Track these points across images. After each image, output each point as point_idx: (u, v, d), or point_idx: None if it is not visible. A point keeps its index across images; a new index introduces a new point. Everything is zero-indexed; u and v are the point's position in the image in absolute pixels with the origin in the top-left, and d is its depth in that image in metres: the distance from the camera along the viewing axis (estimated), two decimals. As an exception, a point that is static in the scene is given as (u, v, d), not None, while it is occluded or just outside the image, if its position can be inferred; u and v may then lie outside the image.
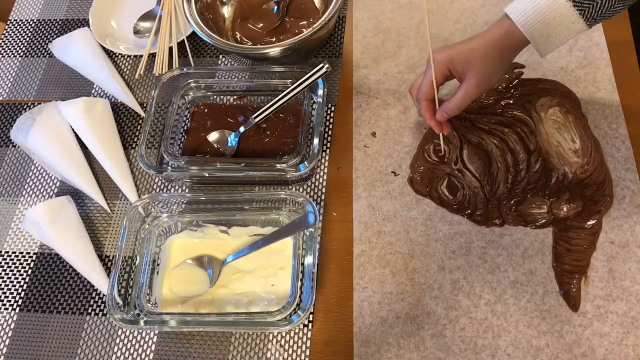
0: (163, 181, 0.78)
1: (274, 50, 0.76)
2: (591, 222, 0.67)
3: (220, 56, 0.88)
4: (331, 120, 0.80)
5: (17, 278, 0.73)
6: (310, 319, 0.66)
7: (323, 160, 0.76)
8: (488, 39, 0.61)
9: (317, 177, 0.75)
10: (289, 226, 0.67)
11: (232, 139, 0.78)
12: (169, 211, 0.71)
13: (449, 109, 0.64)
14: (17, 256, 0.74)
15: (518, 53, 0.62)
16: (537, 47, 0.60)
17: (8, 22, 0.97)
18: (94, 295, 0.71)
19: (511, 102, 0.76)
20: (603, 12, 0.55)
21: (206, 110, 0.81)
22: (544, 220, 0.68)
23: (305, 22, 0.85)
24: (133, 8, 0.92)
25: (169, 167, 0.74)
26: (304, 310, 0.61)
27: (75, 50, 0.87)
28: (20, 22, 0.96)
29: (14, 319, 0.70)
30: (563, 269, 0.65)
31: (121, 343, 0.68)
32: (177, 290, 0.68)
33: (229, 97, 0.82)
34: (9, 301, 0.71)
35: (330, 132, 0.79)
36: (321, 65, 0.72)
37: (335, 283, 0.68)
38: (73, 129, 0.80)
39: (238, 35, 0.86)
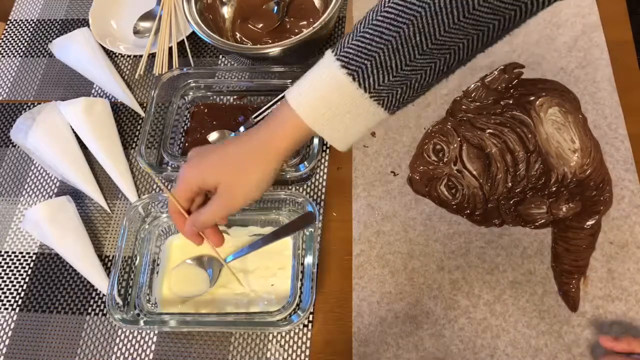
0: (163, 181, 0.78)
1: (274, 50, 0.76)
2: (590, 222, 0.67)
3: (220, 56, 0.88)
4: (331, 120, 0.79)
5: (17, 278, 0.73)
6: (310, 319, 0.67)
7: (323, 160, 0.77)
8: (245, 140, 0.53)
9: (317, 177, 0.75)
10: (288, 226, 0.67)
11: (231, 139, 0.78)
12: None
13: (197, 222, 0.56)
14: (17, 256, 0.75)
15: (290, 153, 0.52)
16: (334, 142, 0.50)
17: (8, 22, 0.97)
18: (93, 295, 0.71)
19: (511, 102, 0.76)
20: (404, 100, 0.49)
21: (206, 110, 0.81)
22: (543, 221, 0.68)
23: (305, 22, 0.85)
24: (133, 8, 0.92)
25: (169, 167, 0.74)
26: (304, 310, 0.61)
27: (75, 50, 0.87)
28: (20, 22, 0.96)
29: (14, 319, 0.70)
30: (562, 269, 0.65)
31: (121, 343, 0.68)
32: (177, 290, 0.68)
33: (229, 97, 0.82)
34: (9, 301, 0.72)
35: (330, 132, 0.79)
36: (321, 65, 0.72)
37: (334, 283, 0.68)
38: (73, 129, 0.80)
39: (238, 36, 0.86)
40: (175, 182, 0.55)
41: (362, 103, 0.47)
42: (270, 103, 0.75)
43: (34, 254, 0.75)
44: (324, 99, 0.48)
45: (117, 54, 0.90)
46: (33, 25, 0.96)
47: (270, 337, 0.66)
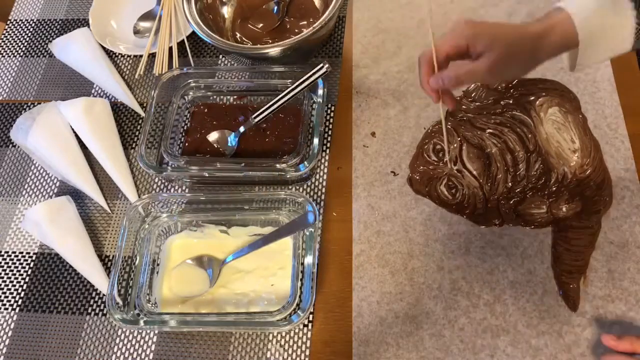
0: (163, 181, 0.78)
1: (274, 50, 0.76)
2: (590, 222, 0.67)
3: (220, 56, 0.88)
4: (331, 120, 0.80)
5: (17, 278, 0.73)
6: (310, 318, 0.67)
7: (323, 160, 0.77)
8: (523, 27, 0.55)
9: (317, 177, 0.75)
10: (288, 226, 0.67)
11: (232, 139, 0.78)
12: (169, 211, 0.71)
13: (448, 77, 0.56)
14: (17, 256, 0.75)
15: (551, 57, 0.56)
16: (582, 53, 0.55)
17: (8, 22, 0.97)
18: (94, 295, 0.71)
19: (511, 102, 0.76)
20: None
21: (206, 110, 0.81)
22: (543, 221, 0.68)
23: (305, 22, 0.85)
24: (133, 8, 0.92)
25: (169, 167, 0.74)
26: (304, 310, 0.61)
27: (75, 50, 0.87)
28: (20, 22, 0.96)
29: (14, 319, 0.70)
30: (562, 269, 0.65)
31: (121, 343, 0.68)
32: (177, 290, 0.68)
33: (229, 97, 0.82)
34: (9, 301, 0.72)
35: (330, 132, 0.79)
36: (321, 65, 0.73)
37: (334, 283, 0.68)
38: (73, 129, 0.80)
39: (238, 36, 0.86)
40: None
41: (625, 24, 0.51)
42: (271, 103, 0.75)
43: (34, 254, 0.75)
44: (599, 11, 0.52)
45: (117, 54, 0.90)
46: (33, 25, 0.96)
47: (270, 337, 0.66)
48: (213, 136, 0.78)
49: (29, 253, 0.75)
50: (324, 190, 0.74)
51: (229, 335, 0.66)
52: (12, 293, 0.72)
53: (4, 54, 0.93)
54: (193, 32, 0.84)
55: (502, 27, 0.56)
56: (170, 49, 0.86)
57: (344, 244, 0.70)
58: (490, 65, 0.54)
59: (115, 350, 0.67)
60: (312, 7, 0.87)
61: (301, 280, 0.64)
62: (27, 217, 0.73)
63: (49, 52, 0.92)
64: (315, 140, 0.71)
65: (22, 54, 0.93)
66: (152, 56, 0.87)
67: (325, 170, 0.76)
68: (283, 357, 0.65)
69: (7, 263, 0.74)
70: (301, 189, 0.75)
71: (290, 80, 0.77)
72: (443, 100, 0.60)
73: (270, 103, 0.75)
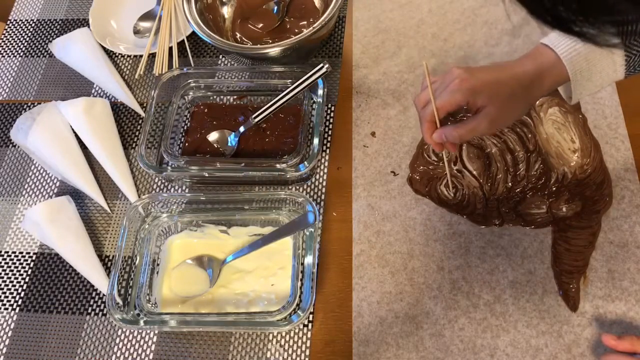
0: (163, 181, 0.78)
1: (274, 50, 0.76)
2: (590, 222, 0.67)
3: (220, 56, 0.88)
4: (331, 120, 0.80)
5: (17, 278, 0.73)
6: (310, 318, 0.67)
7: (323, 160, 0.77)
8: (518, 74, 0.55)
9: (317, 177, 0.75)
10: (288, 226, 0.67)
11: (232, 139, 0.78)
12: (169, 211, 0.71)
13: (451, 136, 0.57)
14: (17, 256, 0.75)
15: (545, 95, 0.56)
16: (575, 89, 0.55)
17: (8, 22, 0.97)
18: (94, 295, 0.71)
19: (511, 102, 0.76)
20: None
21: (206, 110, 0.81)
22: (543, 220, 0.68)
23: (305, 22, 0.85)
24: (133, 8, 0.92)
25: (169, 167, 0.74)
26: (304, 310, 0.61)
27: (75, 50, 0.87)
28: (20, 22, 0.96)
29: (14, 319, 0.70)
30: (562, 269, 0.65)
31: (121, 343, 0.68)
32: (177, 290, 0.68)
33: (229, 97, 0.82)
34: (9, 301, 0.72)
35: (330, 132, 0.79)
36: (321, 65, 0.73)
37: (334, 283, 0.68)
38: (73, 129, 0.80)
39: (238, 36, 0.86)
40: (440, 95, 0.57)
41: (614, 55, 0.51)
42: (271, 103, 0.75)
43: (34, 254, 0.75)
44: (587, 51, 0.52)
45: (117, 54, 0.90)
46: (33, 25, 0.96)
47: (270, 337, 0.66)
48: (213, 136, 0.78)
49: (29, 253, 0.75)
50: (324, 190, 0.74)
51: (229, 335, 0.66)
52: (12, 293, 0.72)
53: (4, 54, 0.93)
54: (193, 32, 0.84)
55: (497, 75, 0.56)
56: (170, 49, 0.86)
57: (344, 244, 0.70)
58: (490, 120, 0.56)
59: (115, 350, 0.67)
60: (312, 7, 0.87)
61: (301, 280, 0.64)
62: (27, 217, 0.73)
63: (49, 52, 0.92)
64: (315, 140, 0.71)
65: (22, 54, 0.93)
66: (152, 56, 0.87)
67: (325, 170, 0.76)
68: (283, 357, 0.65)
69: (7, 263, 0.74)
70: (301, 189, 0.75)
71: (290, 80, 0.77)
72: (445, 147, 0.61)
73: (270, 103, 0.75)
